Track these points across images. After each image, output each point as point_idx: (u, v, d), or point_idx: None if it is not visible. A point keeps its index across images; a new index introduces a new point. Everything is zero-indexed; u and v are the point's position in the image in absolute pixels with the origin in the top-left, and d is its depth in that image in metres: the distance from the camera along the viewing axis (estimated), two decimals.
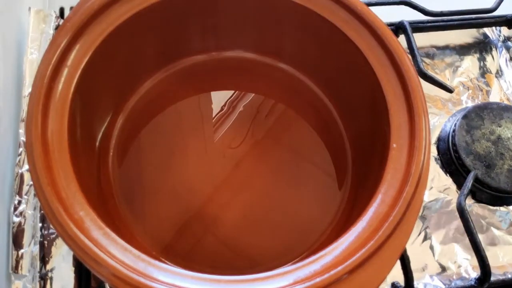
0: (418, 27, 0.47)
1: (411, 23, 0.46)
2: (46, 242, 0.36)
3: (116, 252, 0.26)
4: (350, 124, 0.38)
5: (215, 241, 0.35)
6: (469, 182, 0.39)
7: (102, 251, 0.26)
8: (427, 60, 0.49)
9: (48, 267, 0.36)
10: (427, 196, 0.42)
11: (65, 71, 0.30)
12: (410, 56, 0.44)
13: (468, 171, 0.41)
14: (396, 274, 0.36)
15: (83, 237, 0.26)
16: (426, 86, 0.44)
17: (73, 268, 0.35)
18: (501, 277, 0.39)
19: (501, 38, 0.51)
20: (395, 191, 0.29)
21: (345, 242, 0.26)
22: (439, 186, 0.43)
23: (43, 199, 0.27)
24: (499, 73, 0.49)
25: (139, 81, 0.38)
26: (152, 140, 0.38)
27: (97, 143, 0.35)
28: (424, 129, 0.30)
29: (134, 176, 0.36)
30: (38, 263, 0.35)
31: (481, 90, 0.48)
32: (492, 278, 0.37)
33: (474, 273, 0.39)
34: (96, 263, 0.25)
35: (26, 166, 0.37)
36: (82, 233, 0.26)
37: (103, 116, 0.36)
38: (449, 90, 0.42)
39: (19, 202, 0.37)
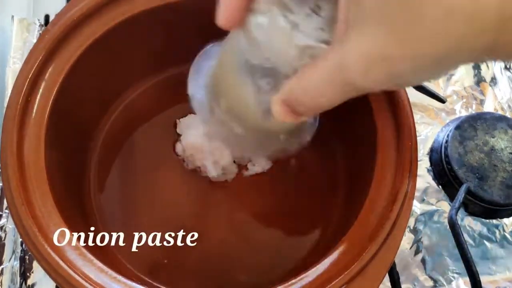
0: None
1: None
2: (27, 257, 0.35)
3: (91, 273, 0.25)
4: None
5: (200, 260, 0.34)
6: (460, 196, 0.38)
7: (76, 272, 0.25)
8: None
9: (29, 282, 0.35)
10: (419, 208, 0.41)
11: (42, 85, 0.29)
12: None
13: (460, 183, 0.40)
14: None
15: (57, 258, 0.25)
16: (419, 95, 0.43)
17: (54, 284, 0.34)
18: None
19: None
20: (380, 209, 0.28)
21: (326, 264, 0.26)
22: (431, 198, 0.42)
23: (17, 218, 0.26)
24: (493, 82, 0.48)
25: (122, 92, 0.37)
26: (135, 155, 0.37)
27: (78, 160, 0.34)
28: (411, 143, 0.29)
29: (117, 193, 0.36)
30: (18, 278, 0.35)
31: (475, 99, 0.47)
32: None
33: None
34: (70, 285, 0.25)
35: None
36: (56, 254, 0.25)
37: (84, 131, 0.35)
38: (441, 100, 0.41)
39: (0, 216, 0.36)
